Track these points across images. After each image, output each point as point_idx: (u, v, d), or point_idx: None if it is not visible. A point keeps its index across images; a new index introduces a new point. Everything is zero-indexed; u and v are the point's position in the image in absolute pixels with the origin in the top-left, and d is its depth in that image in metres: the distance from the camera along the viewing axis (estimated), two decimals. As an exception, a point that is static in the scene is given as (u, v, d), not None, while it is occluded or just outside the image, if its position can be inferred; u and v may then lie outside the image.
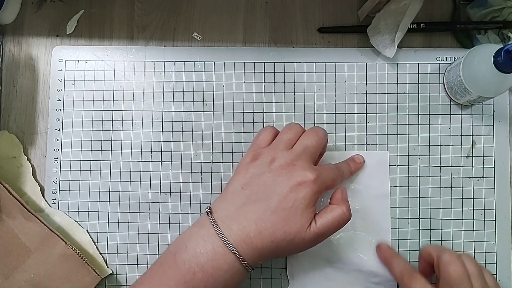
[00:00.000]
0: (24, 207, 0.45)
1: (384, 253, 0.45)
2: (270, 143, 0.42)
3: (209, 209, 0.40)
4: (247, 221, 0.38)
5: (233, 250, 0.37)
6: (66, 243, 0.45)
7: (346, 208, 0.40)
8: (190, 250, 0.38)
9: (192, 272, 0.37)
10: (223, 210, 0.39)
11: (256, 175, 0.40)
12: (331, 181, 0.41)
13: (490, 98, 0.44)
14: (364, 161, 0.46)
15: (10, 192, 0.45)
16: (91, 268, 0.44)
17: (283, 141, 0.41)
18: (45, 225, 0.45)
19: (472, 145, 0.47)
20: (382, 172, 0.47)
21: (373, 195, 0.46)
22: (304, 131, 0.42)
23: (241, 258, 0.37)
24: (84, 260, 0.44)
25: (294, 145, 0.41)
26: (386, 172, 0.47)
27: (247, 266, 0.37)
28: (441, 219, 0.47)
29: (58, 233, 0.45)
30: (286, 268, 0.46)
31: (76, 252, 0.44)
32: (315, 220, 0.39)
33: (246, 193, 0.39)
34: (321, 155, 0.44)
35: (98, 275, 0.45)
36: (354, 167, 0.45)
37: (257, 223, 0.38)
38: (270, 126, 0.44)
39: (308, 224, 0.38)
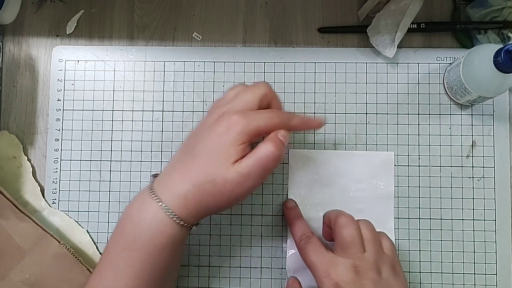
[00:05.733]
0: (17, 207, 0.45)
1: (289, 211, 0.45)
2: None
3: (155, 174, 0.40)
4: (173, 171, 0.38)
5: (156, 198, 0.36)
6: (59, 242, 0.45)
7: (274, 145, 0.36)
8: (127, 209, 0.38)
9: (123, 225, 0.37)
10: (163, 171, 0.40)
11: (193, 133, 0.40)
12: (265, 119, 0.37)
13: (490, 98, 0.44)
14: (323, 125, 0.44)
15: (2, 193, 0.45)
16: (85, 267, 0.44)
17: (222, 100, 0.40)
18: (38, 225, 0.45)
19: (472, 145, 0.47)
20: (386, 172, 0.47)
21: (377, 195, 0.46)
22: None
23: (163, 206, 0.36)
24: (78, 259, 0.44)
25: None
26: (391, 172, 0.47)
27: (172, 215, 0.36)
28: (441, 219, 0.47)
29: (52, 233, 0.45)
30: (285, 268, 0.46)
31: (70, 251, 0.44)
32: (240, 160, 0.36)
33: (181, 150, 0.39)
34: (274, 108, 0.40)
35: None
36: (306, 122, 0.41)
37: (182, 171, 0.37)
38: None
39: (230, 162, 0.36)
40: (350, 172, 0.47)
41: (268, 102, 0.39)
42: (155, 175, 0.40)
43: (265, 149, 0.36)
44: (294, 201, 0.46)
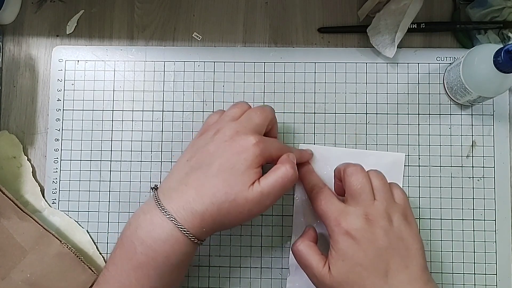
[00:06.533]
0: (18, 207, 0.45)
1: (301, 167, 0.45)
2: None
3: (155, 185, 0.40)
4: (187, 188, 0.37)
5: (170, 217, 0.36)
6: (61, 242, 0.45)
7: (290, 166, 0.38)
8: (132, 225, 0.37)
9: (133, 247, 0.36)
10: (166, 183, 0.39)
11: (201, 146, 0.39)
12: (276, 150, 0.40)
13: (490, 98, 0.44)
14: (311, 156, 0.46)
15: (3, 193, 0.45)
16: (87, 266, 0.44)
17: (228, 116, 0.41)
18: (39, 224, 0.45)
19: (472, 145, 0.47)
20: (396, 173, 0.46)
21: None
22: (251, 107, 0.42)
23: (179, 225, 0.36)
24: (79, 258, 0.44)
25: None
26: (400, 174, 0.46)
27: (187, 234, 0.36)
28: (441, 219, 0.47)
29: (53, 232, 0.45)
30: (287, 268, 0.46)
31: (71, 251, 0.44)
32: (259, 181, 0.38)
33: (190, 164, 0.39)
34: (272, 134, 0.43)
35: (94, 273, 0.45)
36: (303, 154, 0.45)
37: (197, 188, 0.37)
38: (221, 109, 0.44)
39: (250, 183, 0.37)
40: None
41: (271, 127, 0.42)
42: (155, 188, 0.39)
43: (284, 170, 0.38)
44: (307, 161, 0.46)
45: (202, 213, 0.36)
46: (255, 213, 0.38)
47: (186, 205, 0.36)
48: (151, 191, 0.39)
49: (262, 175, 0.38)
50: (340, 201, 0.40)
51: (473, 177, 0.47)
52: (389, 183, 0.41)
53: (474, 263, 0.46)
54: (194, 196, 0.36)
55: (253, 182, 0.37)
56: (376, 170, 0.42)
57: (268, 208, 0.38)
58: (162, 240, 0.36)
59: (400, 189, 0.42)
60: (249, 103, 0.48)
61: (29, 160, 0.49)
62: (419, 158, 0.47)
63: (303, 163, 0.46)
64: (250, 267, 0.47)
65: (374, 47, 0.47)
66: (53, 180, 0.48)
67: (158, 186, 0.40)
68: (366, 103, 0.48)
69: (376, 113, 0.48)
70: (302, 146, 0.47)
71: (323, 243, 0.45)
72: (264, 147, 0.38)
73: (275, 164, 0.40)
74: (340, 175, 0.42)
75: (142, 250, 0.36)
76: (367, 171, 0.41)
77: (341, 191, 0.42)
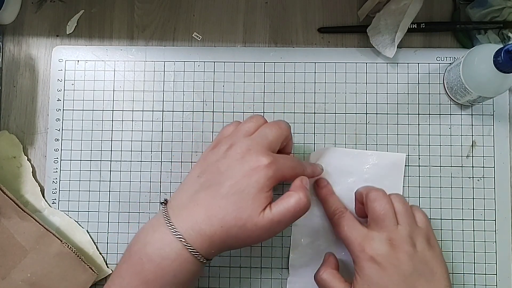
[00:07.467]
0: (19, 206, 0.45)
1: (321, 190, 0.45)
2: None
3: (164, 200, 0.39)
4: (197, 208, 0.37)
5: (179, 237, 0.36)
6: (61, 241, 0.45)
7: (304, 194, 0.37)
8: (140, 240, 0.37)
9: (141, 263, 0.36)
10: (176, 199, 0.38)
11: (212, 162, 0.39)
12: (289, 169, 0.39)
13: (490, 98, 0.44)
14: (322, 171, 0.45)
15: (4, 192, 0.45)
16: (88, 265, 0.45)
17: (242, 130, 0.40)
18: (40, 224, 0.45)
19: (472, 145, 0.47)
20: (396, 174, 0.46)
21: None
22: (266, 122, 0.41)
23: (188, 246, 0.36)
24: (80, 258, 0.45)
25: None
26: (401, 174, 0.46)
27: (196, 254, 0.36)
28: (441, 219, 0.47)
29: (54, 232, 0.45)
30: (287, 268, 0.46)
31: (72, 250, 0.44)
32: (270, 207, 0.37)
33: (201, 180, 0.38)
34: (286, 150, 0.42)
35: (95, 272, 0.45)
36: (314, 170, 0.44)
37: (207, 209, 0.36)
38: (237, 120, 0.43)
39: (261, 209, 0.36)
40: (359, 171, 0.46)
41: (286, 143, 0.41)
42: (165, 202, 0.39)
43: (297, 198, 0.37)
44: (326, 180, 0.46)
45: (211, 236, 0.36)
46: (264, 239, 0.38)
47: (195, 226, 0.36)
48: (160, 205, 0.39)
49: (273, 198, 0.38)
50: (363, 226, 0.40)
51: (473, 177, 0.47)
52: (411, 206, 0.42)
53: (474, 263, 0.46)
54: (203, 217, 0.36)
55: (264, 208, 0.37)
56: (398, 194, 0.42)
57: (278, 233, 0.38)
58: (170, 259, 0.36)
59: (421, 212, 0.42)
60: (248, 103, 0.48)
61: (29, 160, 0.49)
62: (419, 158, 0.47)
63: (323, 185, 0.45)
64: (250, 267, 0.47)
65: (374, 47, 0.47)
66: (53, 180, 0.48)
67: (167, 200, 0.39)
68: (366, 103, 0.48)
69: (376, 113, 0.48)
70: (302, 146, 0.47)
71: (344, 269, 0.45)
72: (277, 168, 0.37)
73: (288, 182, 0.40)
74: (361, 199, 0.42)
75: (150, 268, 0.36)
76: (389, 195, 0.41)
77: (362, 213, 0.43)
